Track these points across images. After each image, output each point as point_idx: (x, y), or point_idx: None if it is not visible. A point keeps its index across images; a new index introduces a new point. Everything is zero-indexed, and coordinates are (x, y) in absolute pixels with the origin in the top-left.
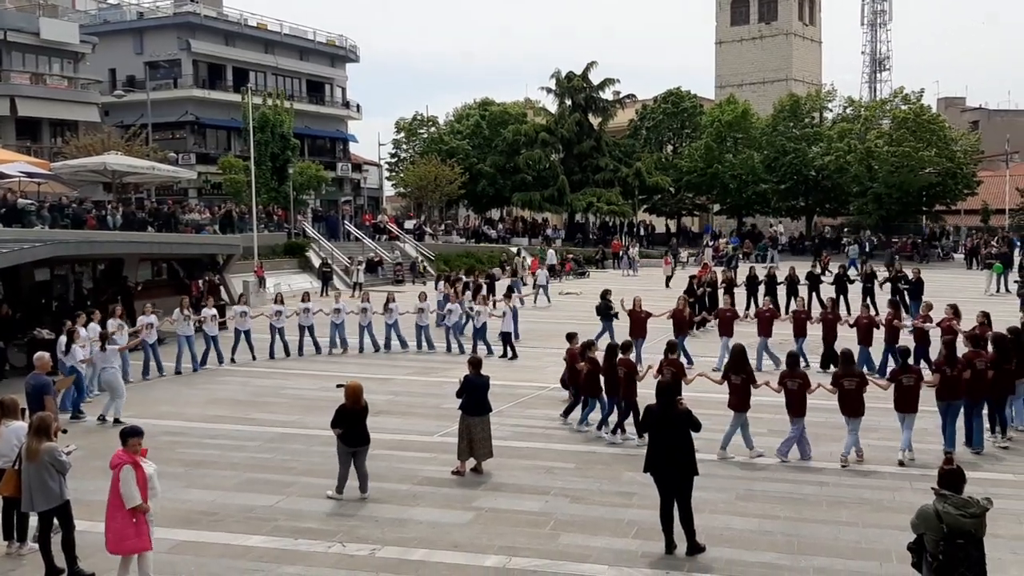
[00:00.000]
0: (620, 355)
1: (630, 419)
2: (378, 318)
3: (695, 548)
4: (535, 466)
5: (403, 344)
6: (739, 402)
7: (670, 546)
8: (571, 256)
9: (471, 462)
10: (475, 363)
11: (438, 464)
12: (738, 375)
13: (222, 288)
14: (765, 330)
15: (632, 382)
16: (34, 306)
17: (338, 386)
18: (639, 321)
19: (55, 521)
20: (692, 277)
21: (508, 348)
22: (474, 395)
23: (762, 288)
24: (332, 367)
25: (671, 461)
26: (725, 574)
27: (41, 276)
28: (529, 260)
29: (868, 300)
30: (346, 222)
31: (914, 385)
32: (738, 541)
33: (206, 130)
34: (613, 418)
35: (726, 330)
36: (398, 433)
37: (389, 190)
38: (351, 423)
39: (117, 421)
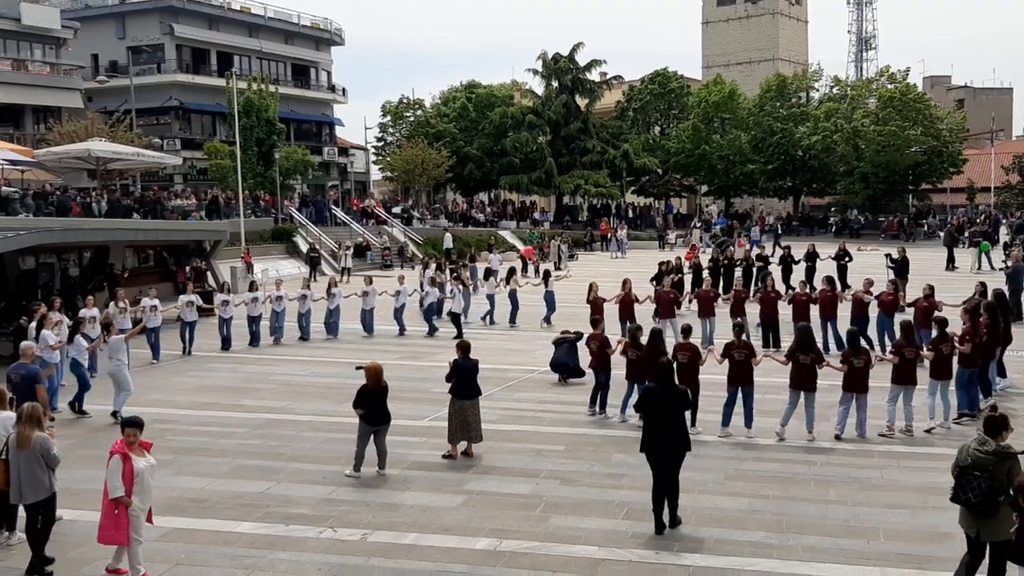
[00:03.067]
0: (681, 339)
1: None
2: (321, 304)
3: (676, 521)
4: (525, 449)
5: (333, 329)
6: (807, 382)
7: (659, 527)
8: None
9: (462, 445)
10: (464, 347)
11: (428, 448)
12: (806, 355)
13: (209, 274)
14: (706, 312)
15: (696, 369)
16: (20, 295)
17: (357, 368)
18: (598, 309)
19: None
20: (661, 263)
21: (457, 326)
22: (464, 379)
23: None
24: (321, 353)
25: (669, 440)
26: (715, 553)
27: (26, 265)
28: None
29: (807, 278)
30: (333, 207)
31: (949, 354)
32: (728, 520)
33: (191, 115)
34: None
35: (667, 312)
36: None
37: (376, 174)
38: (373, 403)
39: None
